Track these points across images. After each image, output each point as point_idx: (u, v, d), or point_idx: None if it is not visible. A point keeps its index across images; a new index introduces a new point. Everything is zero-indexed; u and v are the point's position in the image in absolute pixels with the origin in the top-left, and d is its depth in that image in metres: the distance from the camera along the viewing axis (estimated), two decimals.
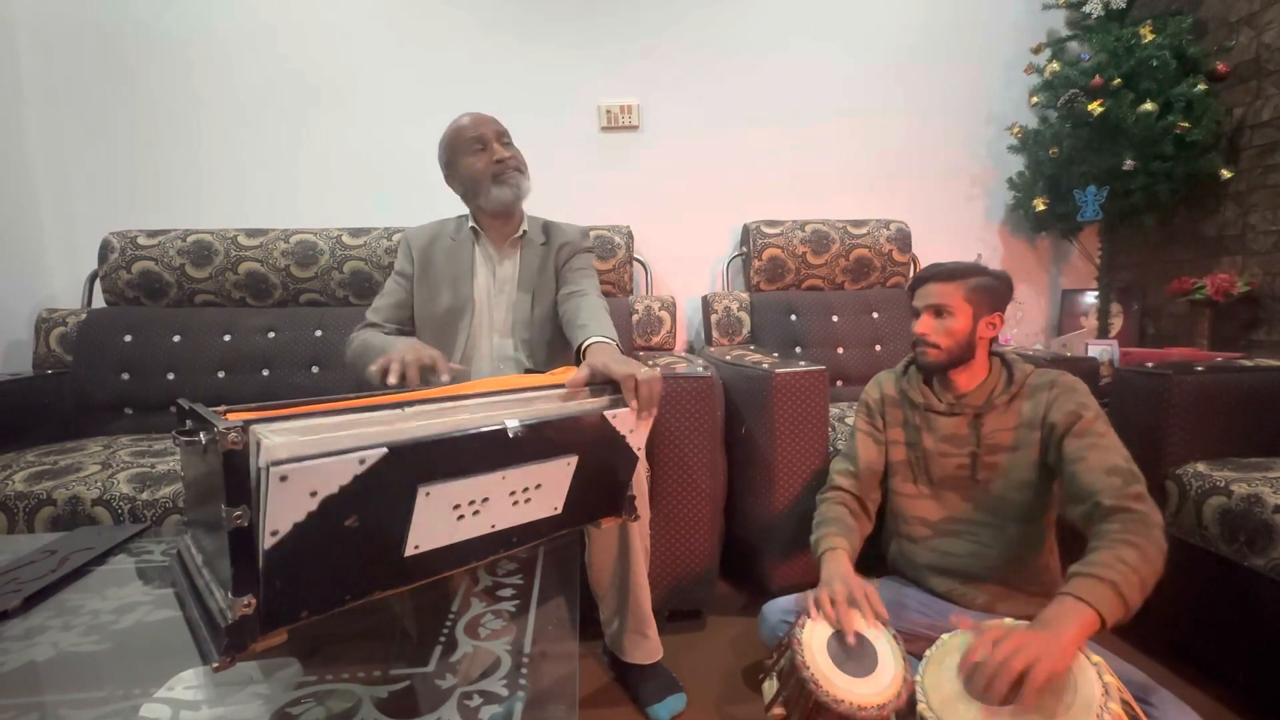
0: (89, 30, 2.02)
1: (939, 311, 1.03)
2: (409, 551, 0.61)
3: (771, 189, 2.27)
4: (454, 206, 1.35)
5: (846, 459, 1.15)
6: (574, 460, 0.73)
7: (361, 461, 0.54)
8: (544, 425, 0.69)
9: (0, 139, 1.93)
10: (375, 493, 0.56)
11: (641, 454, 0.87)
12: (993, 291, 1.04)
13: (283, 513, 0.51)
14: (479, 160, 1.25)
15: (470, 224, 1.32)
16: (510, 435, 0.65)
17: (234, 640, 0.53)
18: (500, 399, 0.75)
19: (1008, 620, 0.81)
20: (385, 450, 0.55)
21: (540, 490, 0.72)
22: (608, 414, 0.76)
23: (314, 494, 0.52)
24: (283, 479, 0.50)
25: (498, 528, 0.70)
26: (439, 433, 0.61)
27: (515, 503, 0.70)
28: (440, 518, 0.63)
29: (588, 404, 0.79)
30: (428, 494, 0.60)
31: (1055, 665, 0.69)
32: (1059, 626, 0.72)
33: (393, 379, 0.93)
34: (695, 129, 2.23)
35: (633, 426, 0.80)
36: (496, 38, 2.15)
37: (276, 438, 0.53)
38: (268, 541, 0.51)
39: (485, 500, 0.66)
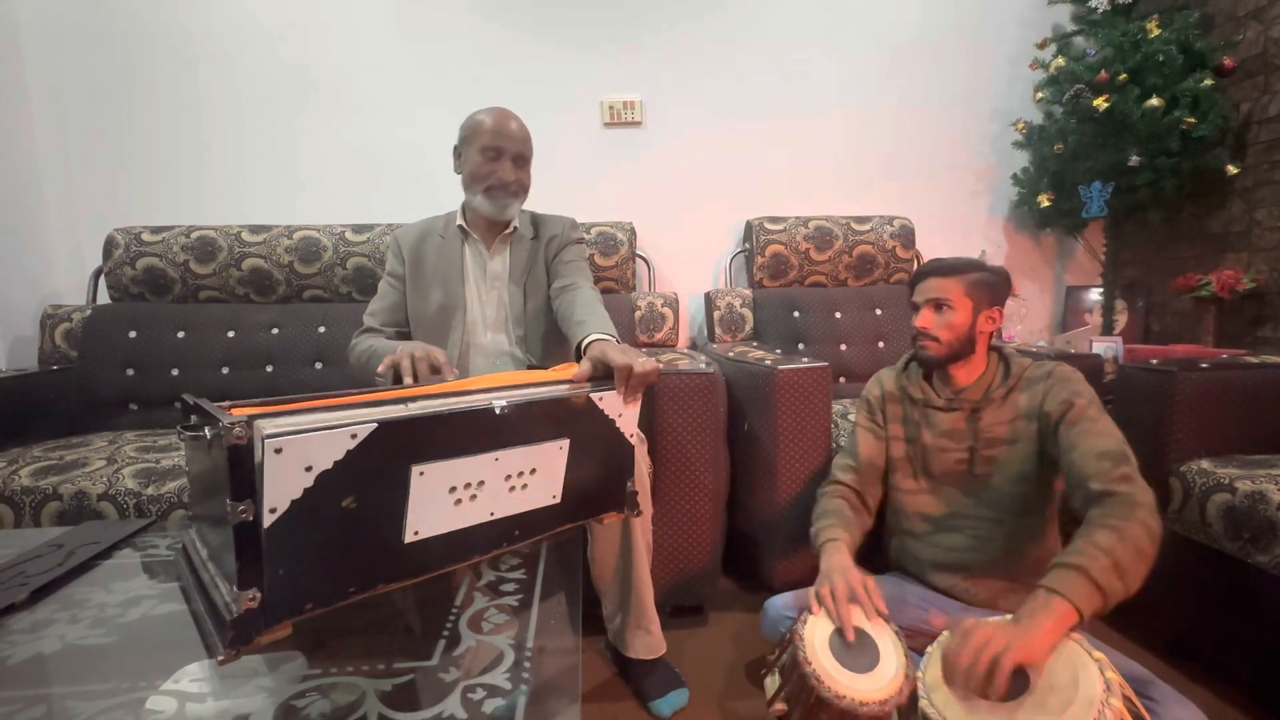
0: (92, 29, 2.02)
1: (939, 306, 1.04)
2: (409, 538, 0.62)
3: (774, 185, 2.26)
4: (455, 201, 1.35)
5: (847, 454, 1.15)
6: (566, 444, 0.74)
7: (354, 436, 0.55)
8: (530, 405, 0.70)
9: (5, 136, 1.93)
10: (369, 470, 0.57)
11: (641, 445, 0.87)
12: (992, 286, 1.04)
13: (280, 488, 0.52)
14: (484, 166, 1.23)
15: (458, 221, 1.32)
16: (497, 413, 0.66)
17: (239, 634, 0.53)
18: (501, 393, 0.75)
19: (993, 619, 0.81)
20: (376, 425, 0.56)
21: (536, 475, 0.72)
22: (594, 396, 0.77)
23: (309, 469, 0.53)
24: (277, 451, 0.50)
25: (497, 515, 0.70)
26: (428, 410, 0.62)
27: (512, 488, 0.70)
28: (437, 500, 0.63)
29: (573, 387, 0.80)
30: (421, 473, 0.60)
31: (1024, 654, 0.69)
32: (1031, 621, 0.72)
33: (408, 379, 0.93)
34: (698, 125, 2.23)
35: (621, 410, 0.80)
36: (499, 33, 2.14)
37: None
38: (267, 519, 0.52)
39: (481, 484, 0.66)
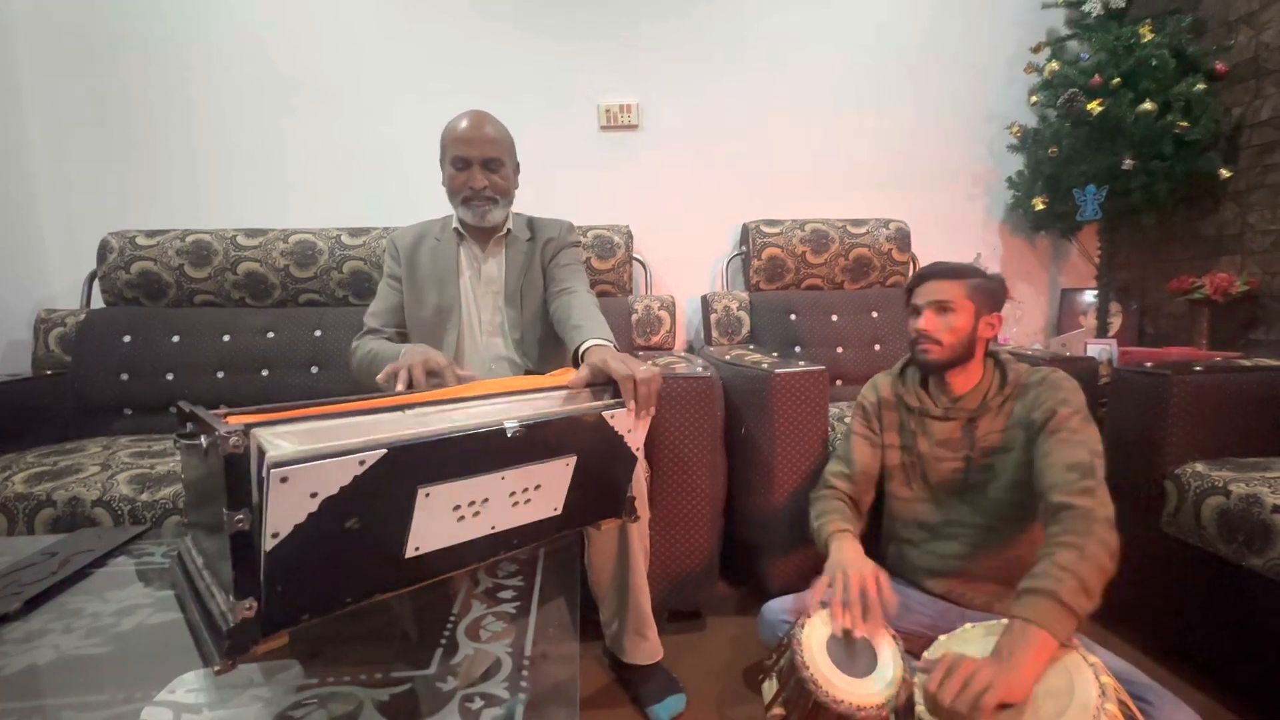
0: (87, 33, 2.02)
1: (943, 308, 1.02)
2: (409, 553, 0.62)
3: (770, 188, 2.27)
4: (449, 205, 1.35)
5: (841, 461, 1.15)
6: (573, 461, 0.74)
7: (361, 463, 0.54)
8: (542, 426, 0.69)
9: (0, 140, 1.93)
10: (375, 494, 0.56)
11: (640, 454, 0.87)
12: (991, 293, 1.04)
13: (283, 514, 0.51)
14: (457, 178, 1.24)
15: (454, 225, 1.32)
16: (509, 436, 0.65)
17: (235, 643, 0.53)
18: (501, 401, 0.75)
19: (1003, 622, 0.80)
20: (385, 451, 0.55)
21: (540, 491, 0.72)
22: (606, 414, 0.77)
23: (314, 495, 0.52)
24: (283, 480, 0.50)
25: (498, 529, 0.70)
26: (438, 433, 0.61)
27: (515, 504, 0.70)
28: (440, 518, 0.63)
29: (586, 405, 0.80)
30: (428, 495, 0.60)
31: (1008, 694, 0.69)
32: (1013, 656, 0.72)
33: (400, 386, 0.93)
34: (695, 128, 2.23)
35: (631, 426, 0.80)
36: (495, 37, 2.14)
37: (279, 442, 0.53)
38: (269, 543, 0.51)
39: (485, 501, 0.66)
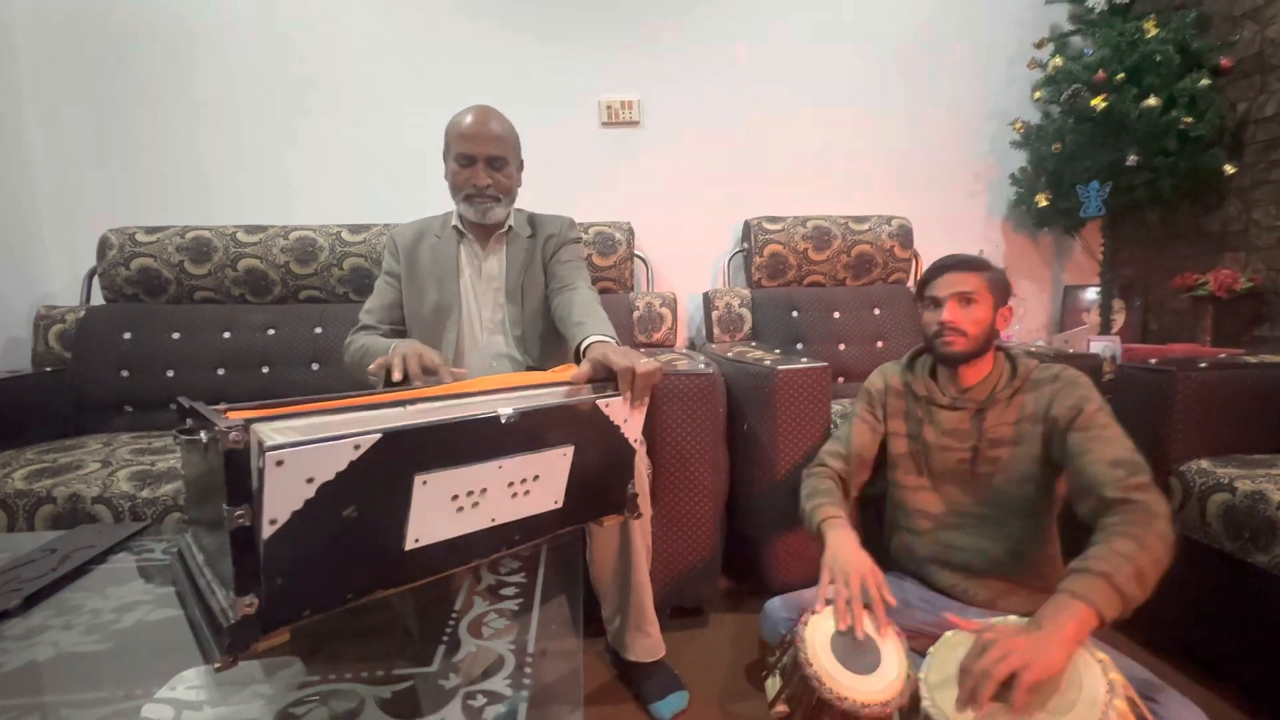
0: (88, 28, 2.01)
1: (967, 300, 1.01)
2: (409, 545, 0.61)
3: (772, 185, 2.26)
4: (450, 201, 1.34)
5: (839, 442, 1.15)
6: (570, 451, 0.73)
7: (356, 447, 0.54)
8: (537, 413, 0.69)
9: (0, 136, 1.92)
10: (372, 480, 0.56)
11: (640, 447, 0.86)
12: (1003, 285, 1.05)
13: (281, 500, 0.51)
14: (460, 174, 1.22)
15: (454, 222, 1.31)
16: (503, 422, 0.65)
17: (236, 640, 0.53)
18: (502, 397, 0.75)
19: (1011, 618, 0.81)
20: (380, 436, 0.55)
21: (539, 482, 0.71)
22: (600, 403, 0.76)
23: (310, 480, 0.52)
24: (279, 464, 0.49)
25: (498, 521, 0.69)
26: (434, 419, 0.61)
27: (514, 495, 0.69)
28: (439, 508, 0.62)
29: (581, 394, 0.79)
30: (424, 482, 0.60)
31: (1045, 668, 0.68)
32: (1053, 625, 0.71)
33: (397, 375, 0.93)
34: (696, 125, 2.22)
35: (626, 416, 0.79)
36: (497, 33, 2.13)
37: (279, 438, 0.53)
38: (266, 531, 0.51)
39: (484, 491, 0.66)
